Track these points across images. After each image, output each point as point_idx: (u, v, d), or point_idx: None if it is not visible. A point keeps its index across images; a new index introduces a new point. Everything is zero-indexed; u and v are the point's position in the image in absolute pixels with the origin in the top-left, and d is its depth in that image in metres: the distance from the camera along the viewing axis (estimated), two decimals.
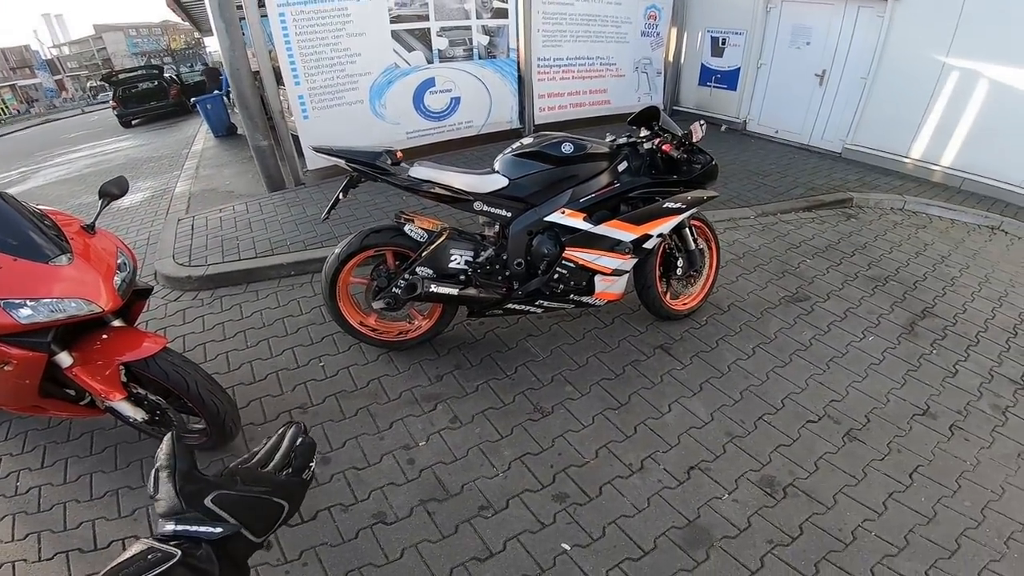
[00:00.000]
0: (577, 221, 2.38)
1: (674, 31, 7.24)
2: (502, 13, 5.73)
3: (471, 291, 2.40)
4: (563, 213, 2.37)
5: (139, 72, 14.61)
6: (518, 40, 5.93)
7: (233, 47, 4.42)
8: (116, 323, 1.90)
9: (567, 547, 1.81)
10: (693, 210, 2.58)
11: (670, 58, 7.40)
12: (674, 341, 2.84)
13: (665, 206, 2.46)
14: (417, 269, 2.37)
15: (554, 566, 1.75)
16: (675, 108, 7.74)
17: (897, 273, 3.61)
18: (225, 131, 8.72)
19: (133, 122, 13.77)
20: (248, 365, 2.72)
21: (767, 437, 2.26)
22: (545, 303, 2.54)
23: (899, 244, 4.06)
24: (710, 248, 3.01)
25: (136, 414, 1.93)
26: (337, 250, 2.45)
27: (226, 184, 5.56)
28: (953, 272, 3.67)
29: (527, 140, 2.48)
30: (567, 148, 2.36)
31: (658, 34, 7.13)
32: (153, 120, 13.85)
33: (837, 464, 2.14)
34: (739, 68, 6.84)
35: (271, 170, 4.97)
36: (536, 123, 6.43)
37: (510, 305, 2.52)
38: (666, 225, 2.50)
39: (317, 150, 2.35)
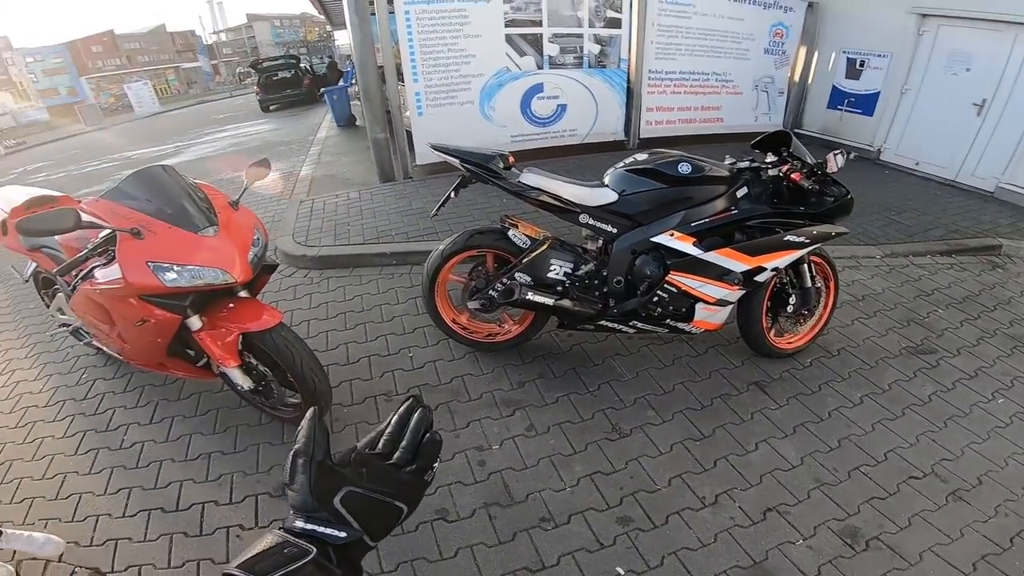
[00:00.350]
0: (686, 245, 2.28)
1: (803, 50, 6.74)
2: (615, 23, 5.65)
3: (566, 303, 2.38)
4: (672, 235, 2.27)
5: (279, 61, 16.15)
6: (630, 51, 5.83)
7: (364, 42, 4.75)
8: (242, 294, 2.04)
9: (622, 572, 1.76)
10: (816, 246, 2.37)
11: (795, 78, 6.90)
12: (771, 380, 2.65)
13: (786, 239, 2.28)
14: (516, 275, 2.39)
15: None
16: (796, 131, 7.18)
17: None
18: (346, 121, 9.39)
19: (271, 107, 15.11)
20: (344, 347, 2.90)
21: (860, 488, 2.08)
22: (639, 324, 2.46)
23: None
24: (828, 287, 2.75)
25: (244, 382, 2.07)
26: (441, 247, 2.54)
27: (343, 172, 5.99)
28: None
29: (641, 156, 2.41)
30: (684, 168, 2.26)
31: (784, 52, 6.68)
32: (288, 107, 15.17)
33: (933, 522, 1.95)
34: (878, 92, 6.22)
35: (384, 162, 5.28)
36: (641, 136, 6.28)
37: (603, 322, 2.47)
38: (784, 259, 2.32)
39: (435, 147, 2.44)
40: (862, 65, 6.34)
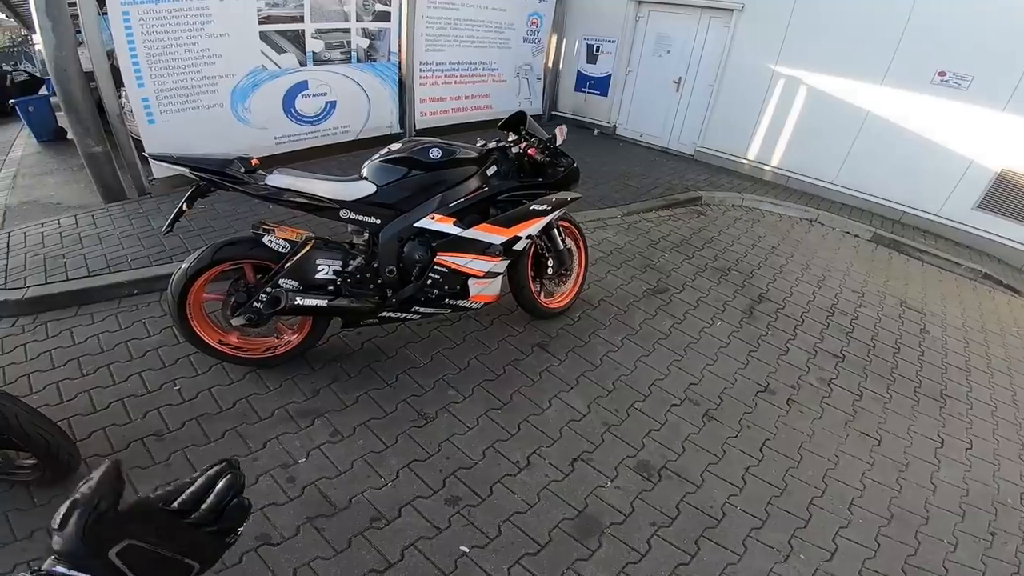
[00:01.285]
0: (447, 226, 2.41)
1: (554, 38, 7.51)
2: (384, 16, 5.56)
3: (342, 301, 2.32)
4: (433, 219, 2.38)
5: None
6: (400, 44, 5.81)
7: (61, 47, 3.84)
8: None
9: (466, 549, 1.83)
10: (559, 211, 2.72)
11: (550, 64, 7.68)
12: (551, 338, 2.97)
13: (532, 208, 2.57)
14: (280, 281, 2.24)
15: (456, 569, 1.77)
16: (553, 113, 8.11)
17: (737, 263, 4.12)
18: (52, 135, 7.48)
19: None
20: (86, 395, 2.39)
21: (639, 424, 2.43)
22: (421, 309, 2.54)
23: (738, 237, 4.64)
24: (578, 247, 3.19)
25: None
26: (184, 265, 2.23)
27: (50, 195, 4.78)
28: (781, 261, 4.28)
29: (395, 146, 2.45)
30: (435, 153, 2.37)
31: (539, 40, 7.35)
32: None
33: (700, 444, 2.36)
34: (610, 75, 7.27)
35: (107, 179, 4.34)
36: (417, 128, 6.37)
37: (385, 313, 2.48)
38: (534, 227, 2.61)
39: (153, 157, 2.15)
40: (598, 51, 7.31)
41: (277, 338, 2.59)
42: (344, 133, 5.79)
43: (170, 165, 2.10)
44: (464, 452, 2.21)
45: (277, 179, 2.19)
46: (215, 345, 2.44)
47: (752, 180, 6.13)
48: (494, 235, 2.50)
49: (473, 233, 2.45)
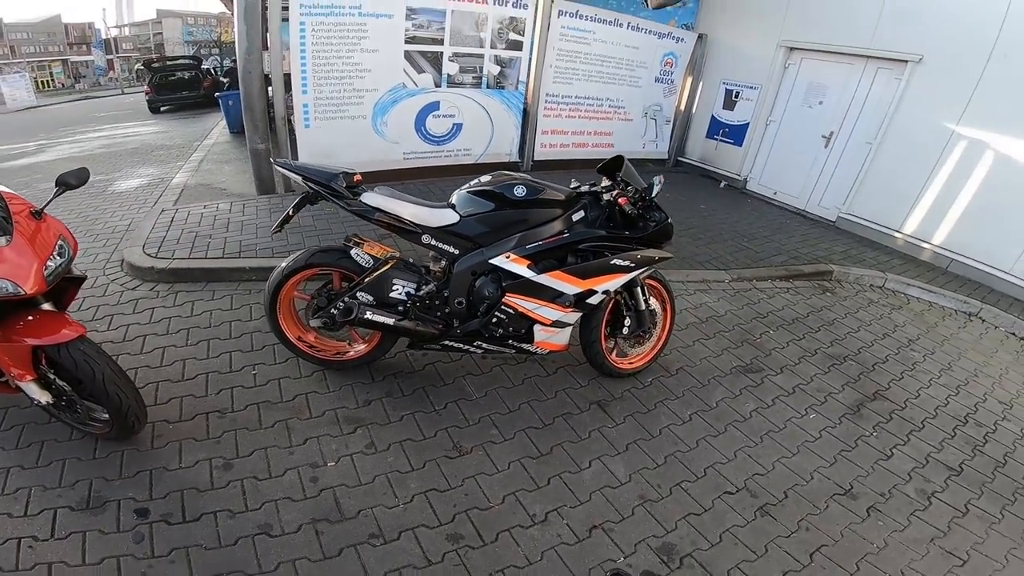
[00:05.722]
0: (520, 268, 2.37)
1: (689, 80, 7.22)
2: (517, 45, 5.79)
3: (407, 323, 2.40)
4: (508, 258, 2.36)
5: (179, 61, 15.22)
6: (529, 73, 5.98)
7: (250, 50, 4.54)
8: (46, 307, 1.97)
9: None
10: (643, 270, 2.56)
11: (681, 107, 7.39)
12: (612, 399, 2.80)
13: (612, 263, 2.44)
14: (357, 294, 2.38)
15: None
16: (679, 159, 7.77)
17: (858, 353, 3.55)
18: (240, 128, 8.93)
19: (161, 108, 14.29)
20: (181, 363, 2.74)
21: (679, 504, 2.22)
22: (484, 345, 2.54)
23: (868, 323, 3.99)
24: (665, 309, 2.97)
25: (41, 397, 1.99)
26: (283, 264, 2.49)
27: (221, 181, 5.67)
28: (916, 357, 3.61)
29: (486, 177, 2.49)
30: (520, 191, 2.36)
31: (672, 81, 7.13)
32: (180, 109, 14.29)
33: (741, 538, 2.09)
34: (747, 123, 6.78)
35: (263, 173, 5.06)
36: (535, 159, 6.47)
37: (448, 342, 2.52)
38: (613, 283, 2.48)
39: (278, 164, 2.42)
40: (737, 96, 6.86)
41: (349, 344, 2.76)
42: (466, 155, 6.07)
43: (285, 171, 2.35)
44: (484, 493, 2.15)
45: (371, 198, 2.34)
46: (294, 340, 2.67)
47: (903, 258, 5.26)
48: (567, 284, 2.41)
49: (545, 279, 2.39)
